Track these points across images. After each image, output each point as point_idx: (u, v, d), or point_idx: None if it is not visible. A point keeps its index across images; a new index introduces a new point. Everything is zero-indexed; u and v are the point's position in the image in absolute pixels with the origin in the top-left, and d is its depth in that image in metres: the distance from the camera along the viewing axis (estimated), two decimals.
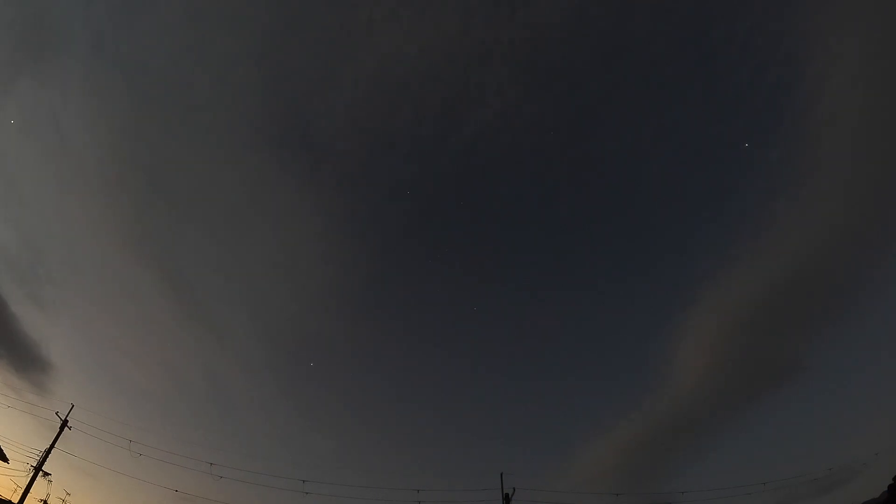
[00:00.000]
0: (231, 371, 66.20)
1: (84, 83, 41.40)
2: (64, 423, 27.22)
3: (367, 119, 46.27)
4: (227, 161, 46.37)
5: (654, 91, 50.15)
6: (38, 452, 26.67)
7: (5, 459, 29.03)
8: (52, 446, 26.68)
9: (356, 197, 51.28)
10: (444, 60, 45.58)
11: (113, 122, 42.39)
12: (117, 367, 52.78)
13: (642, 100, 50.67)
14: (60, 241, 43.43)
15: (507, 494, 24.47)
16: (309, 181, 48.88)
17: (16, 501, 26.59)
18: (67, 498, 33.57)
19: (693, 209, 56.63)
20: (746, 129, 51.45)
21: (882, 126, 45.14)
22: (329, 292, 66.58)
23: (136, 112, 43.15)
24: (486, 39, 43.77)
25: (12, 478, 27.77)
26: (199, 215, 48.78)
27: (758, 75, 47.78)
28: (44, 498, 31.44)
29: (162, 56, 41.98)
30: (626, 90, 48.19)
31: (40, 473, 26.46)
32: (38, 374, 44.20)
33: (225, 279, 60.04)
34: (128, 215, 45.64)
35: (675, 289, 58.10)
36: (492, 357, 67.98)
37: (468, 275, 65.23)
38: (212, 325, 64.31)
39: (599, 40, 44.17)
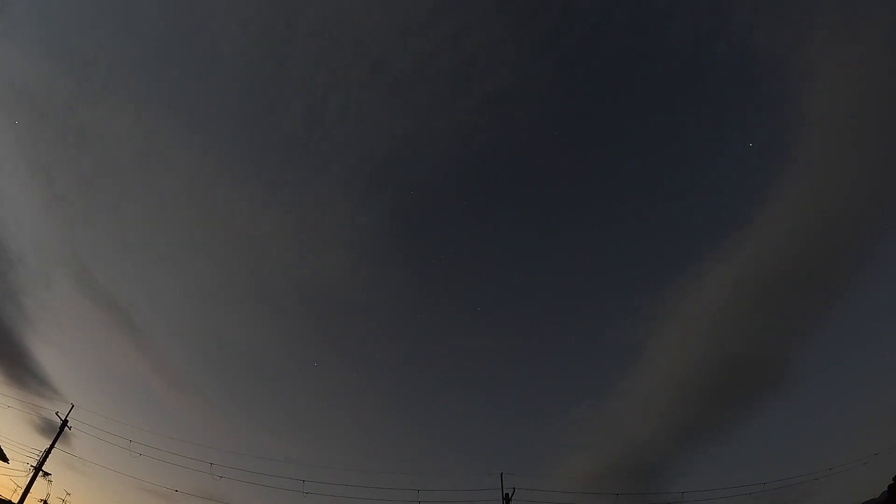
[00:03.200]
0: (230, 370, 66.29)
1: None
2: (64, 423, 27.23)
3: (201, 116, 49.79)
4: (113, 167, 50.08)
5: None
6: (38, 452, 26.73)
7: (5, 459, 29.05)
8: (52, 446, 26.69)
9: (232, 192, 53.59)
10: (257, 56, 48.35)
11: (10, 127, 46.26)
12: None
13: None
14: None
15: (507, 494, 24.48)
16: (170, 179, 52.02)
17: (16, 501, 26.61)
18: (67, 498, 33.66)
19: (683, 197, 57.00)
20: (724, 120, 51.62)
21: (870, 124, 45.48)
22: (328, 293, 66.67)
23: (30, 121, 47.24)
24: (289, 32, 46.55)
25: (12, 478, 27.84)
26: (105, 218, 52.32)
27: (744, 64, 48.12)
28: (44, 498, 31.52)
29: (43, 74, 45.88)
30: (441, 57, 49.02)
31: (40, 473, 26.48)
32: (35, 373, 44.87)
33: (209, 279, 60.42)
34: (39, 216, 49.40)
35: (669, 280, 57.93)
36: (493, 356, 68.01)
37: (471, 275, 65.39)
38: (210, 325, 64.40)
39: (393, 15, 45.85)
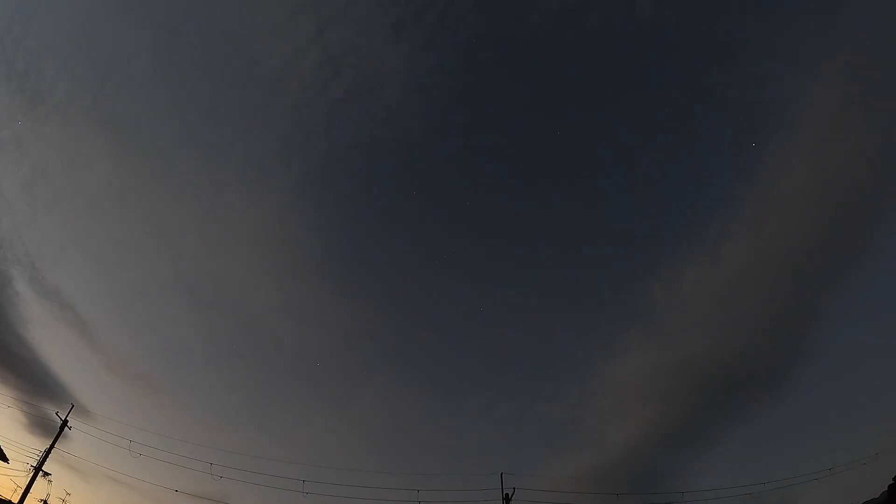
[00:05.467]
0: (230, 369, 66.48)
1: None
2: (64, 423, 27.25)
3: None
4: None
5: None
6: (38, 452, 26.76)
7: (5, 459, 29.09)
8: (51, 446, 26.72)
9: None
10: (156, 64, 55.03)
11: None
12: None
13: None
14: None
15: (507, 494, 24.52)
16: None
17: (16, 501, 26.63)
18: (67, 498, 33.68)
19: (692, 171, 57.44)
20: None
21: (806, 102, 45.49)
22: (329, 291, 66.91)
23: None
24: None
25: (12, 478, 27.87)
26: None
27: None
28: (44, 498, 31.54)
29: None
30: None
31: (40, 473, 26.50)
32: (37, 373, 46.45)
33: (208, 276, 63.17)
34: None
35: (668, 275, 57.77)
36: (495, 354, 68.00)
37: (472, 271, 65.89)
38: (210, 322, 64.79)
39: None
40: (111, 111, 54.53)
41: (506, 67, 53.42)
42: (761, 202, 51.62)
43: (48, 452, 26.54)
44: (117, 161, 56.53)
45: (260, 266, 63.09)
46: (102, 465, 33.08)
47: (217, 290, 61.99)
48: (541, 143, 58.78)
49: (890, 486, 28.76)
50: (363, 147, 58.08)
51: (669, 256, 57.71)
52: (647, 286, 58.05)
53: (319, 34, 51.40)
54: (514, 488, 24.66)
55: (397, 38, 51.49)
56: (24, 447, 27.83)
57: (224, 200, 59.95)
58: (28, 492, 25.85)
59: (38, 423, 34.61)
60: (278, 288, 63.88)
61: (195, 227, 61.09)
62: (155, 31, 51.98)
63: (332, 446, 62.26)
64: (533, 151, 59.50)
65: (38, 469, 26.28)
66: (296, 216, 61.72)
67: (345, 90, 54.57)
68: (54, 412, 27.65)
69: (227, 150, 58.05)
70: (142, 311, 61.73)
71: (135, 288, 60.70)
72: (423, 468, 62.68)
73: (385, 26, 50.66)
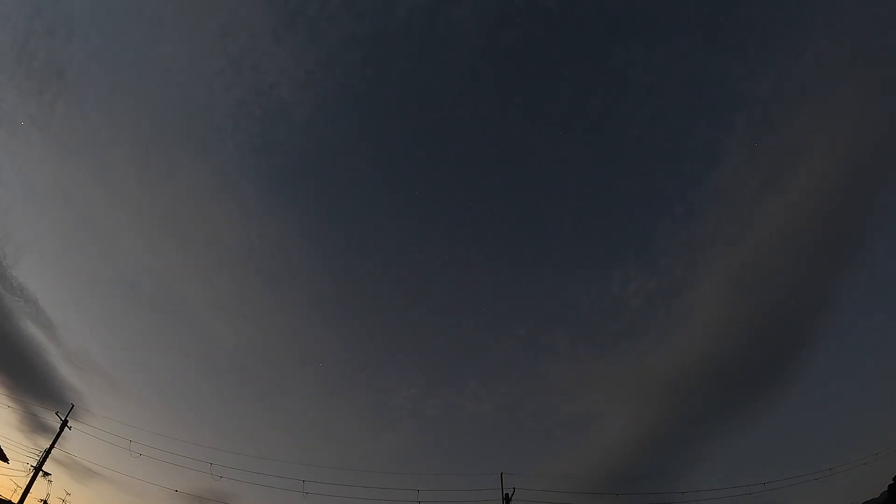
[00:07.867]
0: (230, 370, 66.69)
1: None
2: (64, 423, 27.25)
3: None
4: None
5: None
6: (38, 452, 26.75)
7: (5, 459, 29.07)
8: (52, 446, 26.71)
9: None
10: (84, 64, 57.03)
11: None
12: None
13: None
14: None
15: (507, 494, 24.52)
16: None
17: (16, 501, 26.63)
18: (67, 498, 33.65)
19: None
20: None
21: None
22: (327, 291, 67.24)
23: None
24: None
25: (12, 478, 27.85)
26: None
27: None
28: (44, 498, 31.51)
29: None
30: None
31: (40, 473, 26.49)
32: (23, 370, 47.76)
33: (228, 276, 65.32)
34: None
35: (669, 277, 57.97)
36: (493, 355, 68.06)
37: (474, 268, 66.87)
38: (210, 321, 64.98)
39: None
40: (50, 118, 58.12)
41: (379, 64, 55.09)
42: (694, 195, 51.61)
43: (48, 452, 26.53)
44: (59, 164, 60.23)
45: (192, 262, 66.49)
46: (103, 466, 33.14)
47: (155, 286, 64.83)
48: (434, 142, 60.89)
49: (890, 486, 28.74)
50: (265, 145, 61.02)
51: (598, 257, 59.39)
52: (655, 296, 58.07)
53: (221, 37, 54.31)
54: (514, 488, 24.70)
55: (281, 41, 54.43)
56: (25, 447, 27.89)
57: (152, 199, 63.29)
58: (28, 492, 25.86)
59: (26, 420, 34.89)
60: (209, 284, 66.96)
61: (131, 225, 64.04)
62: (82, 44, 55.70)
63: (332, 447, 62.88)
64: (424, 149, 61.69)
65: (38, 469, 26.28)
66: (217, 213, 64.36)
67: (244, 91, 57.68)
68: (54, 412, 27.66)
69: (150, 150, 61.04)
70: (93, 307, 65.38)
71: (86, 285, 64.63)
72: (422, 468, 63.01)
73: (271, 28, 53.55)
